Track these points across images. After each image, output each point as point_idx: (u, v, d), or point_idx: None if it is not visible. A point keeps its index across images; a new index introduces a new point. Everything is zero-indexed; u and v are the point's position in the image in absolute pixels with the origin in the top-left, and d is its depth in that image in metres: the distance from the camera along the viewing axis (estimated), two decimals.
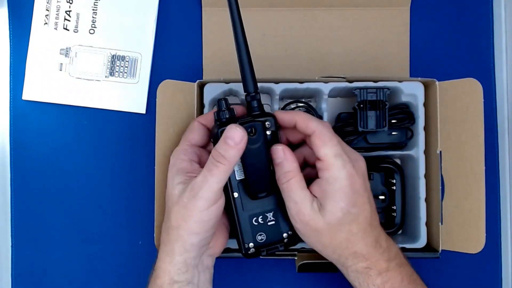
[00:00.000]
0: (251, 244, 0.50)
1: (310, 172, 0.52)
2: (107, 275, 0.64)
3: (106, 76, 0.65)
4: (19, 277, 0.64)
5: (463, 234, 0.57)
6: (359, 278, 0.50)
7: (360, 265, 0.49)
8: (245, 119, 0.49)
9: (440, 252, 0.56)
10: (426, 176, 0.58)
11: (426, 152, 0.58)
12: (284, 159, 0.49)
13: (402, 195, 0.60)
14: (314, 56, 0.65)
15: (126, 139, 0.65)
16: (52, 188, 0.65)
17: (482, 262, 0.64)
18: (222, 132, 0.47)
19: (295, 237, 0.51)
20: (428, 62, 0.65)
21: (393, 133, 0.59)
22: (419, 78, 0.58)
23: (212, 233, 0.50)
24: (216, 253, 0.53)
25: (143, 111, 0.65)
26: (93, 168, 0.65)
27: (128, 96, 0.65)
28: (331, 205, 0.48)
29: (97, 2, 0.65)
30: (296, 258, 0.57)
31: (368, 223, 0.49)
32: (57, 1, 0.65)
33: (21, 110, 0.65)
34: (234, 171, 0.49)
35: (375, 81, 0.58)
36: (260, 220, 0.50)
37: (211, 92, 0.58)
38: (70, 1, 0.65)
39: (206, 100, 0.58)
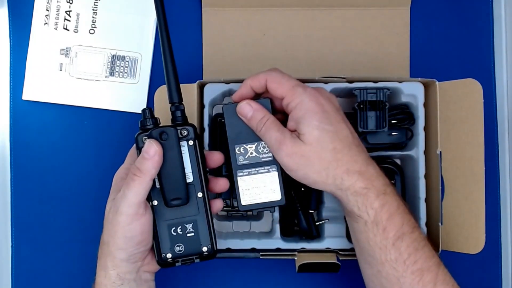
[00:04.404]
0: (169, 255, 0.49)
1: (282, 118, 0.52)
2: None
3: (106, 76, 0.65)
4: (19, 277, 0.64)
5: (463, 234, 0.57)
6: (358, 201, 0.48)
7: (358, 185, 0.48)
8: (161, 127, 0.49)
9: (440, 252, 0.56)
10: (426, 176, 0.58)
11: (426, 152, 0.58)
12: (254, 110, 0.51)
13: (402, 196, 0.60)
14: (314, 56, 0.65)
15: (126, 139, 0.64)
16: (52, 188, 0.65)
17: (482, 262, 0.64)
18: (139, 139, 0.48)
19: (214, 251, 0.50)
20: (428, 62, 0.65)
21: (393, 133, 0.59)
22: (419, 79, 0.58)
23: (145, 249, 0.49)
24: (153, 269, 0.52)
25: None
26: (93, 168, 0.65)
27: (128, 96, 0.65)
28: (306, 126, 0.48)
29: (97, 2, 0.65)
30: (296, 258, 0.57)
31: (350, 142, 0.49)
32: (57, 1, 0.65)
33: (21, 110, 0.65)
34: (155, 180, 0.49)
35: (375, 82, 0.58)
36: (179, 230, 0.49)
37: (211, 92, 0.58)
38: (70, 1, 0.65)
39: (206, 100, 0.58)
